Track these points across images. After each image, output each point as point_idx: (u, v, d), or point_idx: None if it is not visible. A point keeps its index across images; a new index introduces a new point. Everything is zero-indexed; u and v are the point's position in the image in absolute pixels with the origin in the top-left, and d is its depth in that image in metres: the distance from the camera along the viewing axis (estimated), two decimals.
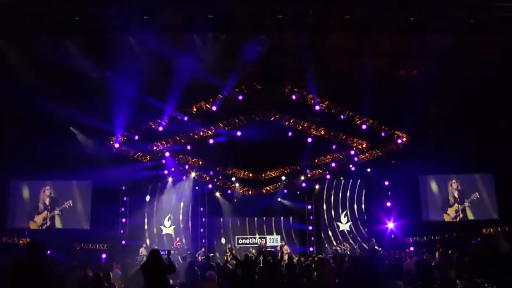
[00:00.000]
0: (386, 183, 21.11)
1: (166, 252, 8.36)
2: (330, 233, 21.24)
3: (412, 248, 18.46)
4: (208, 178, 20.49)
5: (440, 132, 18.67)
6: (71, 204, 19.19)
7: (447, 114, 18.21)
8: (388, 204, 20.85)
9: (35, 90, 13.82)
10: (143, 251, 16.92)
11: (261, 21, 12.01)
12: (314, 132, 17.68)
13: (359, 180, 21.67)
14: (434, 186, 21.04)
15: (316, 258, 12.19)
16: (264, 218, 21.51)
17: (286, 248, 17.69)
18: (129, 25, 11.74)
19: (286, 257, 16.53)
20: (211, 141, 17.05)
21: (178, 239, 19.45)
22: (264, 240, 19.99)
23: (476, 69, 15.53)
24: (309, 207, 21.57)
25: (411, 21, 12.55)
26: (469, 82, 16.29)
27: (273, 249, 16.65)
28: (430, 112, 18.51)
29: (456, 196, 20.74)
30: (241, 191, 21.41)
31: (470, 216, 20.53)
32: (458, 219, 20.55)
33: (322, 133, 17.84)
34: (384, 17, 12.91)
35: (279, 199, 21.43)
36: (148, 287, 6.89)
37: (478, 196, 20.38)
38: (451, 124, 18.33)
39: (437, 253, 11.83)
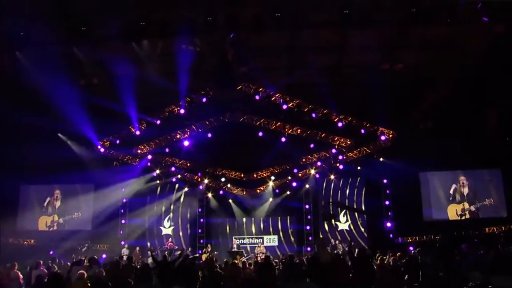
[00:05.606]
0: (385, 181, 20.29)
1: None
2: (328, 233, 20.74)
3: (411, 248, 17.66)
4: (199, 179, 20.76)
5: (430, 127, 17.64)
6: (80, 216, 20.28)
7: (439, 108, 17.10)
8: (387, 202, 20.06)
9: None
10: (125, 251, 17.53)
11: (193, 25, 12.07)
12: (289, 131, 17.31)
13: (358, 178, 21.00)
14: (437, 183, 19.88)
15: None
16: (261, 218, 21.42)
17: (262, 249, 17.61)
18: (70, 37, 12.28)
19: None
20: (186, 143, 17.23)
21: (170, 239, 19.95)
22: (238, 240, 19.90)
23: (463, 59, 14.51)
24: (307, 206, 21.21)
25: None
26: (457, 73, 15.24)
27: (241, 250, 16.67)
28: (420, 107, 17.50)
29: (464, 194, 19.48)
30: (235, 191, 21.45)
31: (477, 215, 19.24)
32: (463, 218, 19.30)
33: (299, 132, 17.42)
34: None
35: (270, 199, 21.25)
36: None
37: (492, 203, 19.04)
38: (445, 117, 17.23)
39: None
